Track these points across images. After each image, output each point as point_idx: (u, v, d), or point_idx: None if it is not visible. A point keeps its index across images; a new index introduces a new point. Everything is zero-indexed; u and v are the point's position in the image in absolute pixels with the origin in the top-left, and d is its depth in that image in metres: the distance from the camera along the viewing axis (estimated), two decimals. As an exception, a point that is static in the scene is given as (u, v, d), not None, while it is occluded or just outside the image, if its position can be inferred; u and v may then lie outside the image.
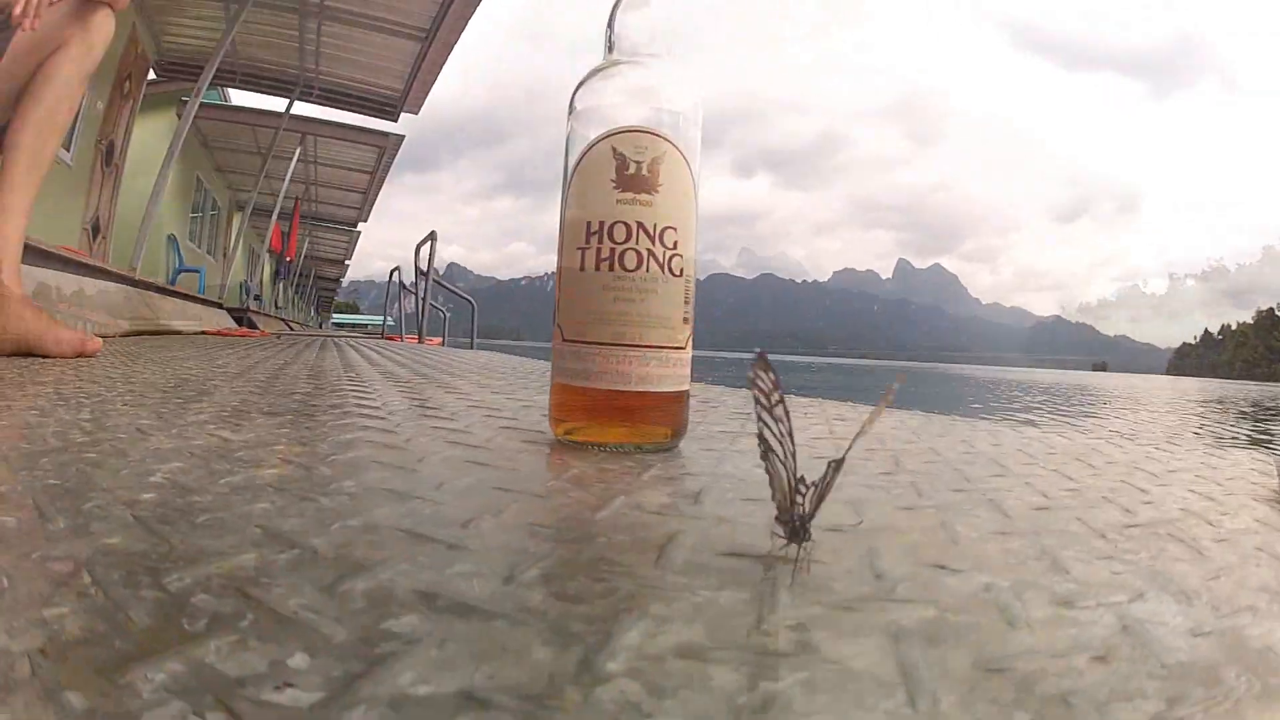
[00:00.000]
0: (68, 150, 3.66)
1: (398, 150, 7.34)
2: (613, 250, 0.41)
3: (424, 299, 4.91)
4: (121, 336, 2.48)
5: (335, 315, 31.31)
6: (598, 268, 0.42)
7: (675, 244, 0.42)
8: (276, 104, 5.99)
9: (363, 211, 10.12)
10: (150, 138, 4.76)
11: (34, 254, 2.08)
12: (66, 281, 2.32)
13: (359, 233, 12.24)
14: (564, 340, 0.43)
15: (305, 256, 13.52)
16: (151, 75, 4.79)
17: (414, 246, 4.99)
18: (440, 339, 6.24)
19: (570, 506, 0.29)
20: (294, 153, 6.88)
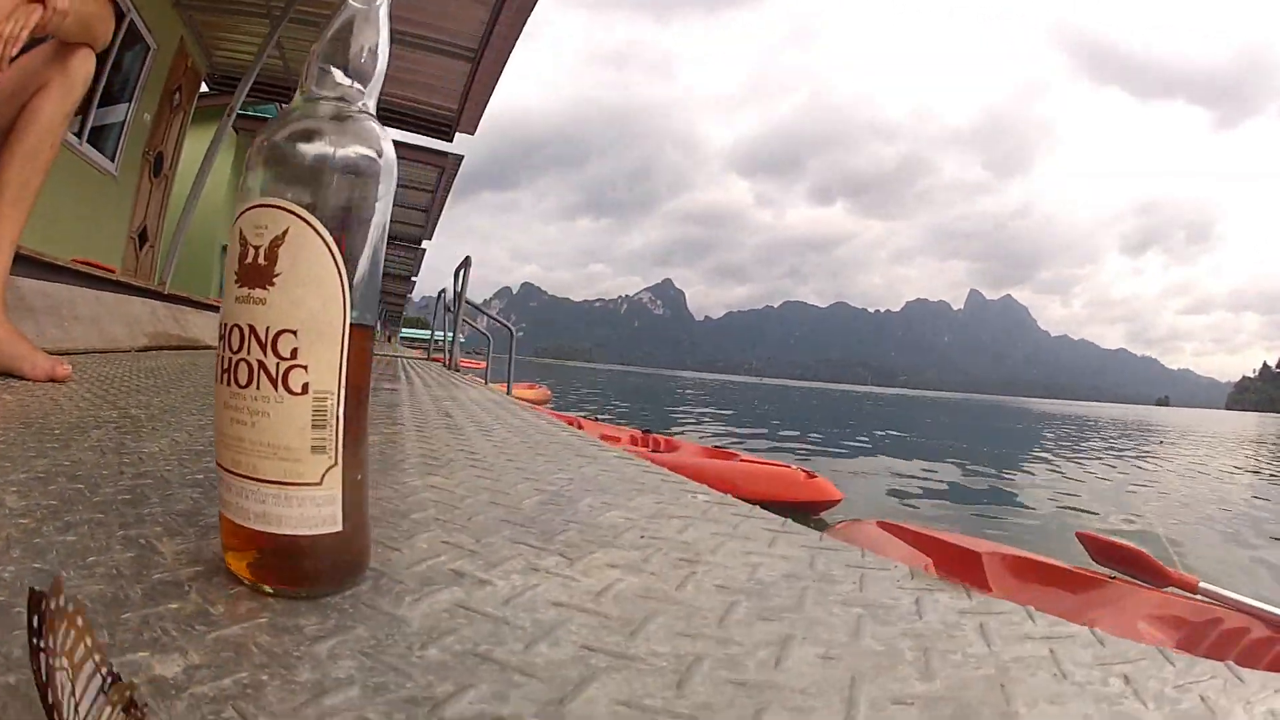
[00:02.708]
0: (112, 160, 3.77)
1: (457, 170, 7.39)
2: (230, 360, 0.33)
3: (456, 324, 4.89)
4: (138, 351, 2.51)
5: (404, 330, 32.54)
6: (222, 380, 0.34)
7: (294, 353, 0.33)
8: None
9: (426, 229, 10.26)
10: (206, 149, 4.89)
11: (45, 268, 2.11)
12: (81, 297, 2.33)
13: (424, 250, 12.43)
14: (216, 460, 0.36)
15: (369, 270, 13.75)
16: (205, 89, 4.94)
17: (468, 266, 4.96)
18: (484, 363, 6.11)
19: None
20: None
